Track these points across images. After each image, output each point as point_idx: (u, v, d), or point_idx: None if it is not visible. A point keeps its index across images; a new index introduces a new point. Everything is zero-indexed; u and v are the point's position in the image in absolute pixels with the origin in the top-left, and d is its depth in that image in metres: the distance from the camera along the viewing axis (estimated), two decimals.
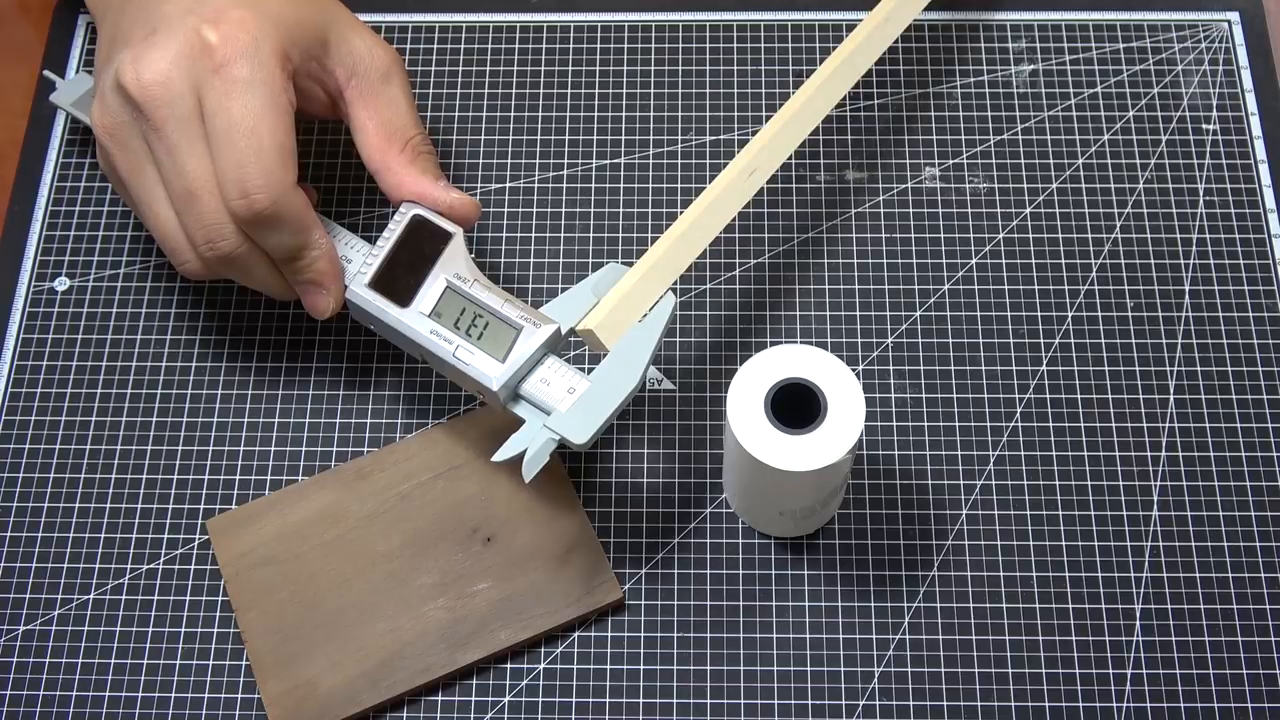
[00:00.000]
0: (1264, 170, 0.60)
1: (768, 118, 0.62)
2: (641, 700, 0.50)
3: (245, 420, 0.56)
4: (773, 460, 0.46)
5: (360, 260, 0.52)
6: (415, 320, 0.51)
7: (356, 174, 0.61)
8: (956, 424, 0.55)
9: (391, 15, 0.65)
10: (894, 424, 0.55)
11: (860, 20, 0.63)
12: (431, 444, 0.54)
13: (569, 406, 0.49)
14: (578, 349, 0.57)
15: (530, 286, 0.58)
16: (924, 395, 0.56)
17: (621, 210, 0.60)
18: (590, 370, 0.49)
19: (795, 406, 0.48)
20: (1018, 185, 0.60)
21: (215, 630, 0.52)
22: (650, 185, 0.60)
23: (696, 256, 0.51)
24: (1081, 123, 0.61)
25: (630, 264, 0.49)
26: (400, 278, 0.51)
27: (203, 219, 0.48)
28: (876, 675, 0.51)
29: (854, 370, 0.56)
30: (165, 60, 0.48)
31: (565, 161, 0.61)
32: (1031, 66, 0.63)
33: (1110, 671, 0.51)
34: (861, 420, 0.47)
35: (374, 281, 0.51)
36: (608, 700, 0.50)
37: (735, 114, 0.62)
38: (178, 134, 0.48)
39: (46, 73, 0.58)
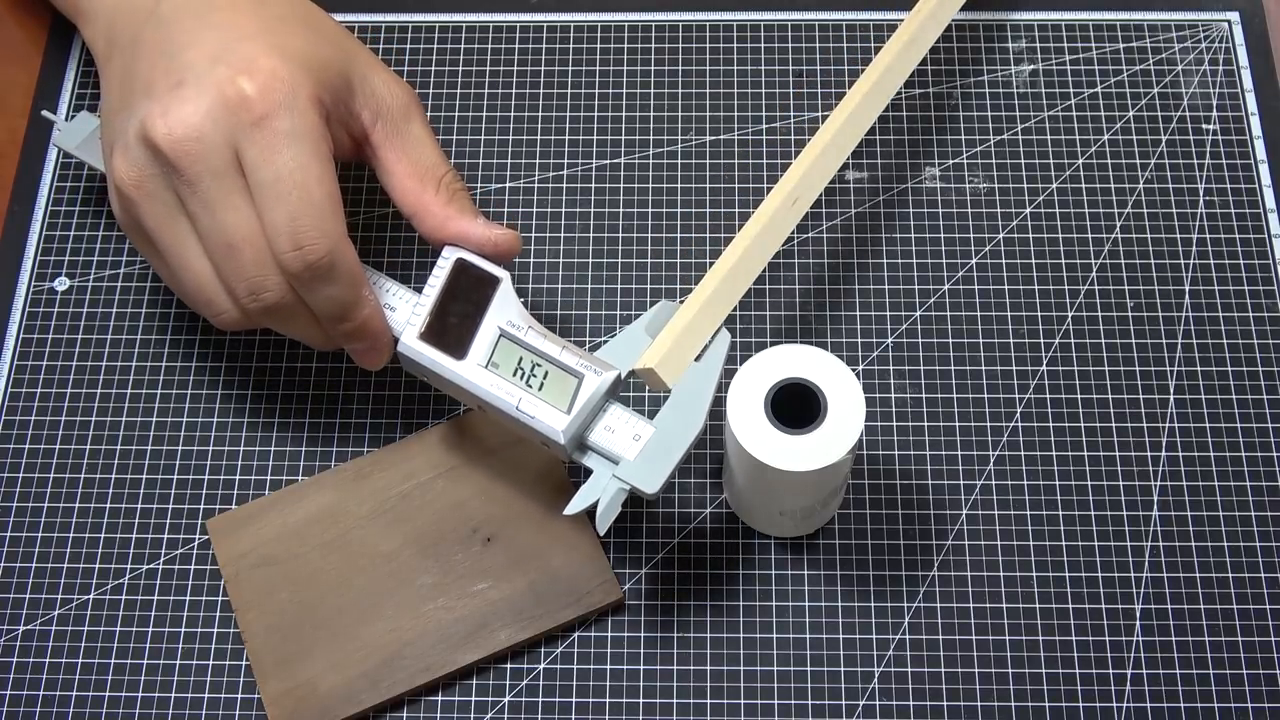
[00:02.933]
0: (1264, 170, 0.60)
1: (768, 118, 0.62)
2: (641, 700, 0.50)
3: (245, 420, 0.56)
4: (773, 460, 0.46)
5: (406, 309, 0.50)
6: (474, 373, 0.49)
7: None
8: (956, 424, 0.55)
9: (392, 15, 0.65)
10: (894, 424, 0.55)
11: (861, 20, 0.63)
12: (431, 444, 0.54)
13: (636, 454, 0.47)
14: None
15: (530, 287, 0.58)
16: (924, 395, 0.56)
17: (621, 210, 0.60)
18: (651, 416, 0.48)
19: (795, 406, 0.48)
20: (1018, 185, 0.60)
21: (215, 630, 0.52)
22: (650, 185, 0.60)
23: (748, 288, 0.50)
24: (1081, 123, 0.61)
25: (677, 299, 0.49)
26: (451, 327, 0.49)
27: (245, 270, 0.47)
28: (876, 675, 0.51)
29: (854, 370, 0.56)
30: (198, 114, 0.46)
31: (565, 161, 0.61)
32: (1031, 66, 0.63)
33: (1110, 671, 0.51)
34: (861, 420, 0.47)
35: (425, 333, 0.49)
36: (608, 700, 0.50)
37: (735, 114, 0.62)
38: (215, 188, 0.47)
39: (45, 113, 0.57)
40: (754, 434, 0.47)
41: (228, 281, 0.48)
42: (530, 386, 0.48)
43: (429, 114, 0.62)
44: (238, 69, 0.47)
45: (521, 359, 0.49)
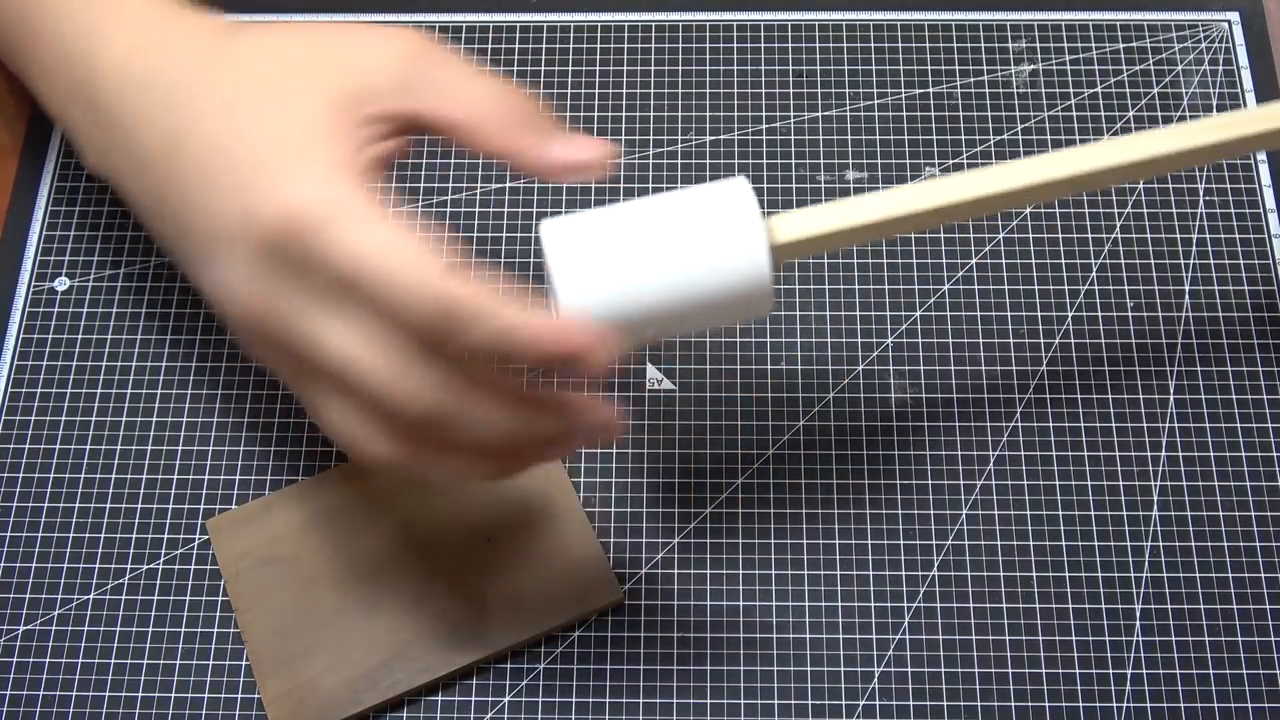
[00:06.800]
0: (1264, 170, 0.60)
1: (768, 118, 0.62)
2: (641, 700, 0.50)
3: (245, 420, 0.56)
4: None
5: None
6: None
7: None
8: (956, 424, 0.55)
9: (392, 15, 0.65)
10: (894, 424, 0.55)
11: (861, 20, 0.63)
12: None
13: None
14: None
15: (531, 287, 0.58)
16: (924, 395, 0.56)
17: None
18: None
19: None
20: None
21: (215, 630, 0.52)
22: (650, 185, 0.60)
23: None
24: (1081, 123, 0.61)
25: None
26: None
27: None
28: (876, 675, 0.51)
29: (854, 370, 0.56)
30: (244, 287, 0.40)
31: None
32: (1031, 66, 0.63)
33: (1110, 671, 0.51)
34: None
35: None
36: (608, 700, 0.50)
37: (735, 114, 0.62)
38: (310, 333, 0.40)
39: None
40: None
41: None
42: None
43: None
44: (267, 208, 0.40)
45: None
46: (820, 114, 0.62)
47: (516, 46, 0.64)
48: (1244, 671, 0.50)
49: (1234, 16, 0.64)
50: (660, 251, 0.42)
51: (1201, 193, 0.60)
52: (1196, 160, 0.47)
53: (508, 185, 0.61)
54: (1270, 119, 0.48)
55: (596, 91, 0.63)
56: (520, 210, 0.60)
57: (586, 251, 0.42)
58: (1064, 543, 0.53)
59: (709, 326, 0.45)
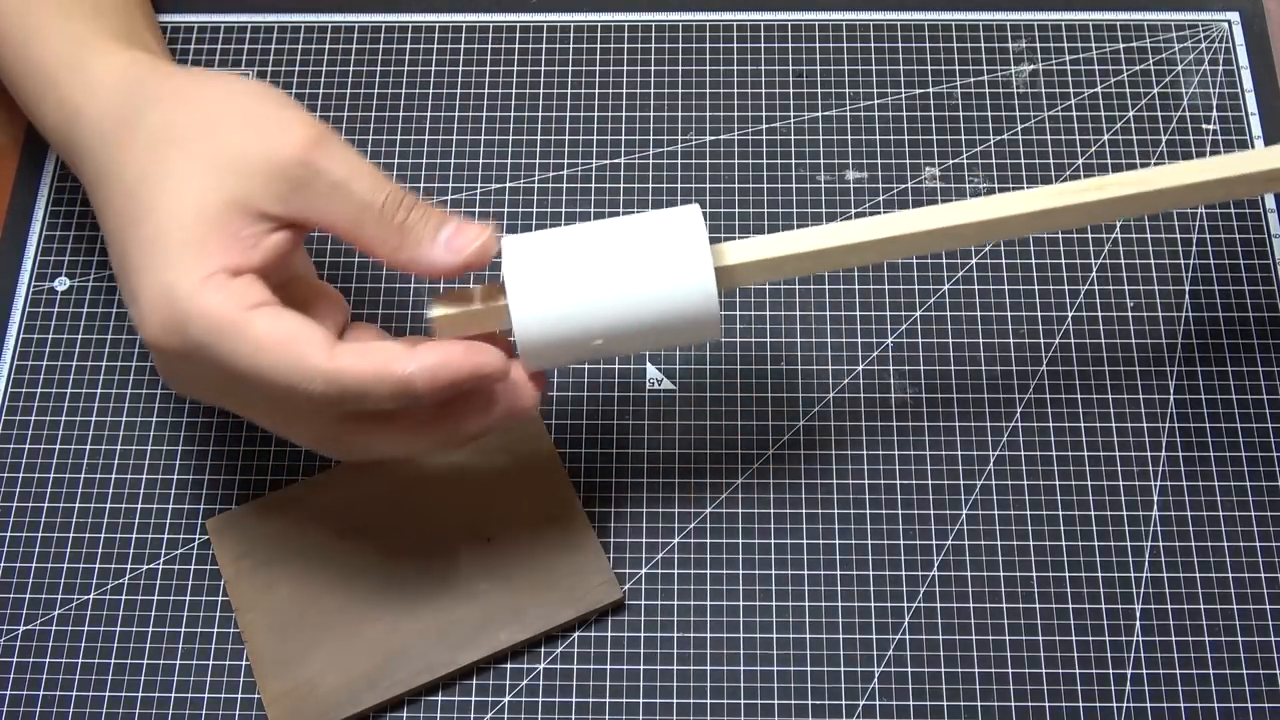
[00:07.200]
0: None
1: (768, 118, 0.62)
2: (641, 700, 0.50)
3: (245, 420, 0.56)
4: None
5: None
6: None
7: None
8: (956, 424, 0.55)
9: (392, 15, 0.65)
10: (894, 424, 0.55)
11: (861, 20, 0.63)
12: None
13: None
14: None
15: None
16: (924, 395, 0.56)
17: (621, 210, 0.60)
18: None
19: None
20: (1018, 185, 0.60)
21: (215, 630, 0.52)
22: (650, 185, 0.60)
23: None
24: (1081, 123, 0.61)
25: None
26: None
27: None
28: (876, 675, 0.51)
29: (854, 370, 0.56)
30: (158, 363, 0.45)
31: (565, 161, 0.61)
32: (1031, 66, 0.63)
33: (1110, 671, 0.51)
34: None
35: None
36: (608, 700, 0.50)
37: (735, 114, 0.62)
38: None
39: None
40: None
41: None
42: None
43: (429, 114, 0.62)
44: (135, 314, 0.43)
45: None
46: (820, 114, 0.62)
47: (516, 46, 0.64)
48: (1244, 671, 0.50)
49: (1234, 16, 0.64)
50: (610, 272, 0.44)
51: None
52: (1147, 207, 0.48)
53: (508, 185, 0.61)
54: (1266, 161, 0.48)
55: (596, 91, 0.63)
56: (520, 210, 0.60)
57: (539, 268, 0.44)
58: (1064, 543, 0.53)
59: (658, 348, 0.48)
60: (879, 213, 0.59)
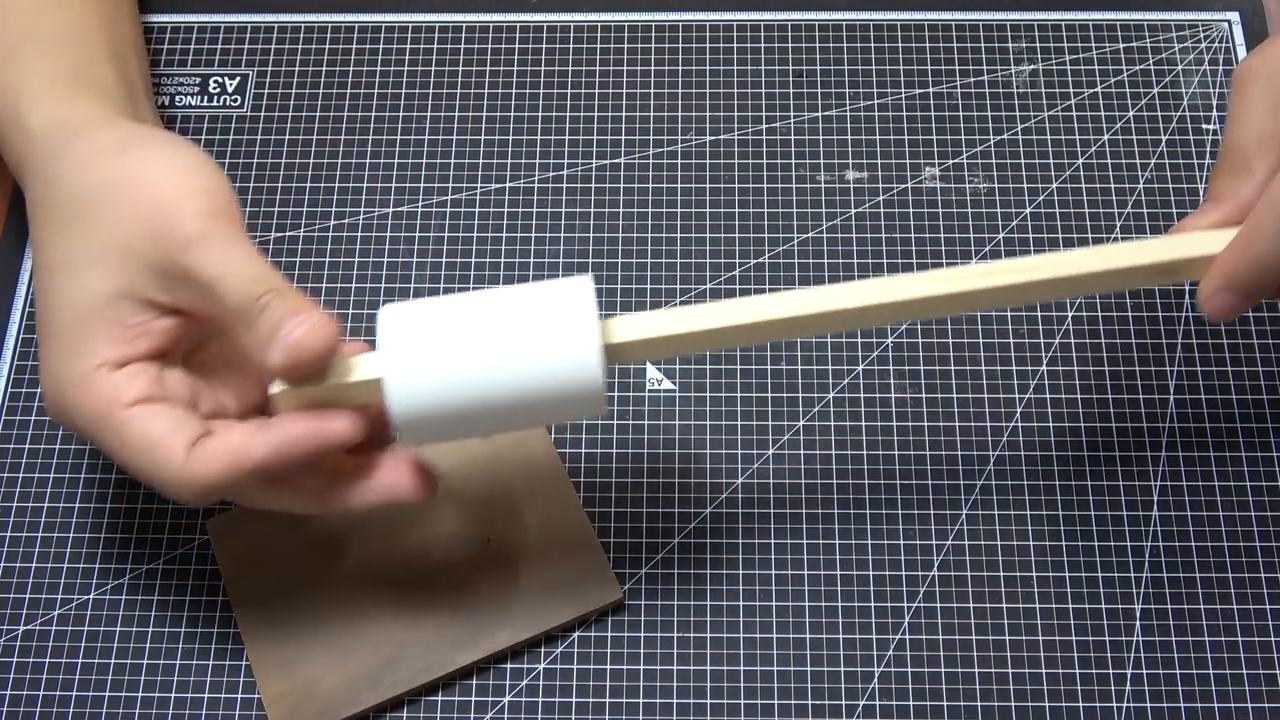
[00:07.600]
0: None
1: (768, 118, 0.62)
2: (641, 700, 0.50)
3: None
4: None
5: None
6: None
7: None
8: (956, 424, 0.55)
9: (392, 15, 0.65)
10: (894, 424, 0.55)
11: (861, 20, 0.63)
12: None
13: None
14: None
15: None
16: (924, 395, 0.56)
17: (621, 210, 0.60)
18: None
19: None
20: (1018, 185, 0.60)
21: (215, 630, 0.52)
22: (650, 185, 0.60)
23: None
24: (1081, 123, 0.61)
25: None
26: None
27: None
28: (876, 675, 0.51)
29: (854, 370, 0.56)
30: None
31: (565, 161, 0.61)
32: (1031, 66, 0.63)
33: (1110, 671, 0.51)
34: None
35: None
36: (608, 700, 0.50)
37: (735, 114, 0.62)
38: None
39: None
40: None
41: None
42: None
43: (429, 114, 0.62)
44: (47, 394, 0.45)
45: None
46: (820, 114, 0.62)
47: (516, 46, 0.64)
48: (1244, 671, 0.50)
49: (1234, 16, 0.64)
50: (491, 346, 0.42)
51: (1201, 193, 0.60)
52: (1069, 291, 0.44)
53: (508, 185, 0.61)
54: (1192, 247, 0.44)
55: (596, 91, 0.63)
56: (520, 210, 0.60)
57: (417, 341, 0.42)
58: (1064, 543, 0.53)
59: (542, 422, 0.45)
60: (878, 213, 0.59)
